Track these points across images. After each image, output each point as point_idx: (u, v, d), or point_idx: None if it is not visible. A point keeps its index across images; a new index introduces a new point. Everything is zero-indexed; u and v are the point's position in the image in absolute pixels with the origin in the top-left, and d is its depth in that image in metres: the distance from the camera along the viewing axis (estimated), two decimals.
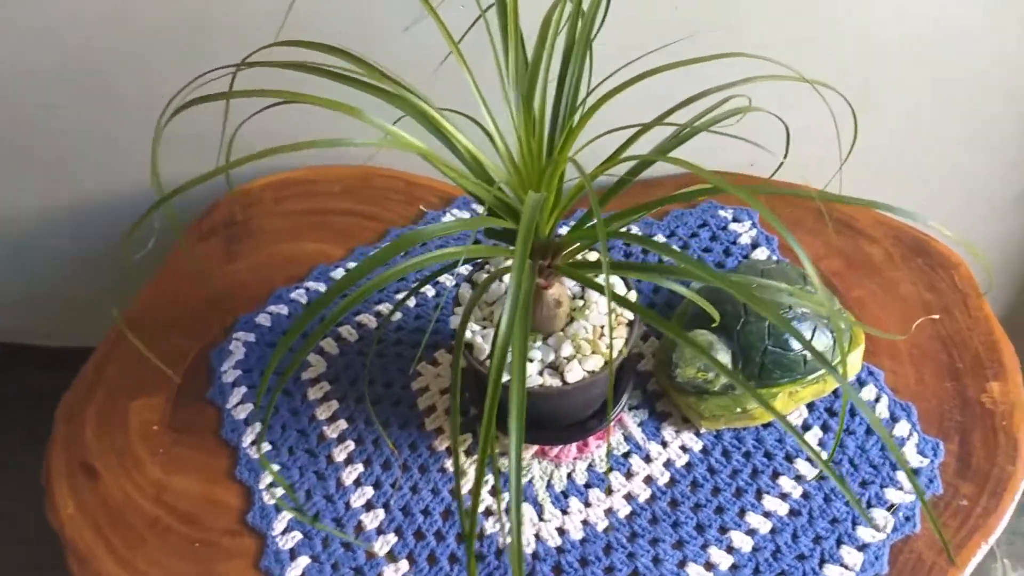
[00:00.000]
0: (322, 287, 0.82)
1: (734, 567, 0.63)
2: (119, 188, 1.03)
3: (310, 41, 0.55)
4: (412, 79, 0.55)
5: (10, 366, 1.32)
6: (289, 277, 0.83)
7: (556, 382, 0.59)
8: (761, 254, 0.82)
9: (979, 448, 0.69)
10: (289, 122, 0.75)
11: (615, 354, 0.60)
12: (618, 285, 0.63)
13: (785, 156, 0.62)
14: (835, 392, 0.71)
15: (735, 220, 0.85)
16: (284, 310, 0.81)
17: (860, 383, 0.72)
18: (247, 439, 0.72)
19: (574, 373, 0.59)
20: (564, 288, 0.61)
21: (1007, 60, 0.83)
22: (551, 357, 0.60)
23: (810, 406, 0.71)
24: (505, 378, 0.45)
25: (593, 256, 0.63)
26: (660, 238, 0.84)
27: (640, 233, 0.85)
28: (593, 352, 0.60)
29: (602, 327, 0.61)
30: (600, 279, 0.59)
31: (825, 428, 0.70)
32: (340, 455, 0.71)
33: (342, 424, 0.73)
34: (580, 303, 0.63)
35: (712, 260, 0.82)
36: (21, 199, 1.06)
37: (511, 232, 0.55)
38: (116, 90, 0.92)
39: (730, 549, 0.64)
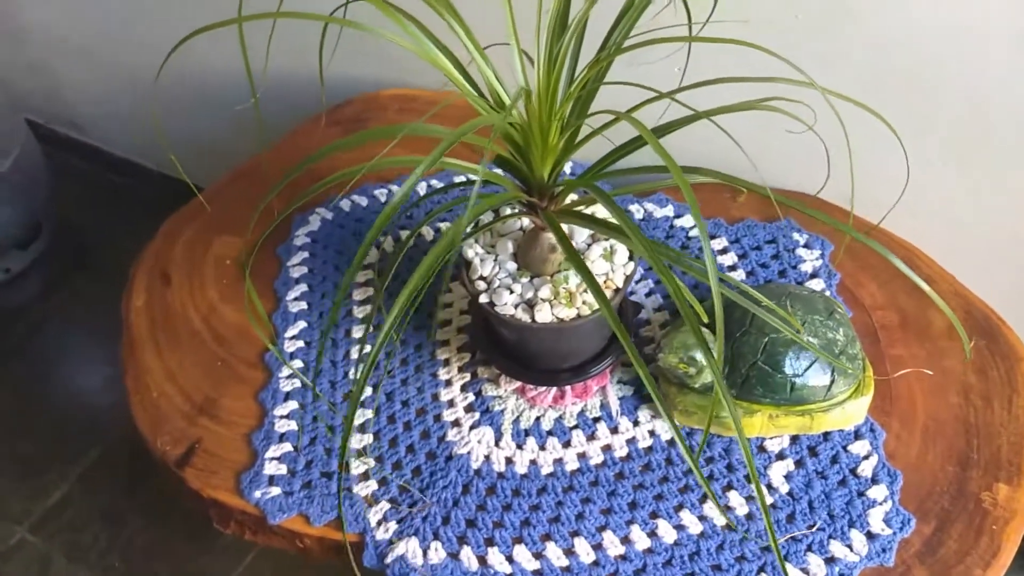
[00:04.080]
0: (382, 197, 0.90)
1: (648, 551, 0.64)
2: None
3: None
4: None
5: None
6: (379, 177, 0.92)
7: (526, 318, 0.63)
8: (816, 285, 0.79)
9: (954, 541, 0.64)
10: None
11: (587, 311, 0.62)
12: (620, 251, 0.65)
13: (827, 177, 0.61)
14: (826, 435, 0.69)
15: (806, 246, 0.82)
16: (364, 202, 0.90)
17: (856, 435, 0.69)
18: (292, 294, 0.82)
19: (543, 314, 0.63)
20: None
21: None
22: (529, 295, 0.64)
23: (794, 438, 0.70)
24: (484, 300, 0.50)
25: (591, 212, 0.65)
26: (723, 241, 0.84)
27: (710, 233, 0.85)
28: (571, 305, 0.63)
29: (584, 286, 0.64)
30: (601, 245, 0.62)
31: (799, 463, 0.68)
32: (357, 332, 0.79)
33: (367, 308, 0.81)
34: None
35: (765, 275, 0.81)
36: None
37: (520, 172, 0.60)
38: None
39: (652, 534, 0.65)
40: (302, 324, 0.80)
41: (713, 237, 0.84)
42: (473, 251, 0.67)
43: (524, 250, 0.65)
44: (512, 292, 0.64)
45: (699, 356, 0.67)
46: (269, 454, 0.72)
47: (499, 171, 0.63)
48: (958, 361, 0.74)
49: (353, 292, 0.82)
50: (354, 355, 0.78)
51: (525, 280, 0.65)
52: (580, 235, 0.67)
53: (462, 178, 0.88)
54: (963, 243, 0.84)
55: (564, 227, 0.63)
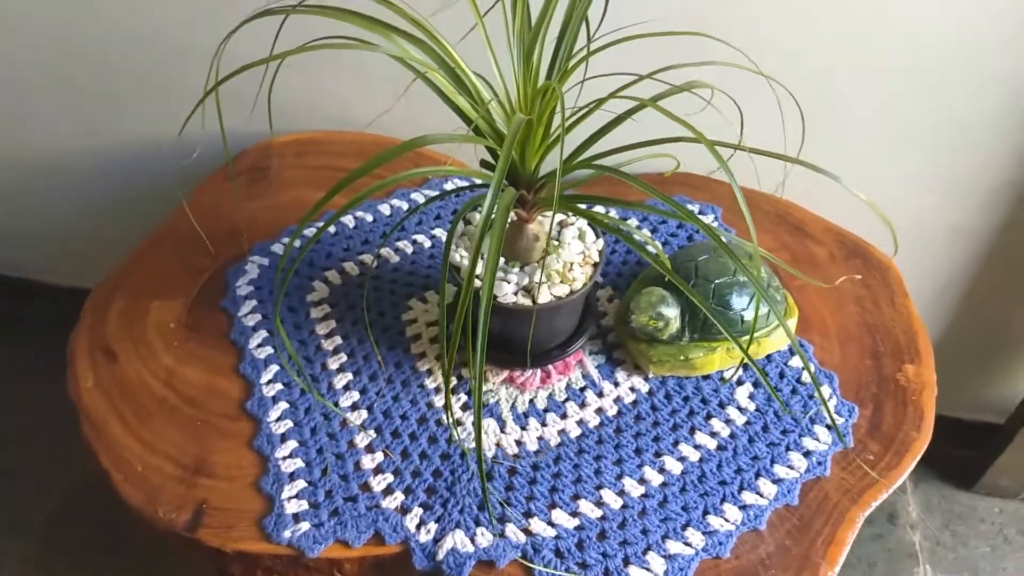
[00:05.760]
0: (332, 228, 0.93)
1: (664, 484, 0.73)
2: (155, 132, 1.14)
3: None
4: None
5: (33, 296, 1.41)
6: (299, 218, 0.94)
7: (527, 302, 0.70)
8: None
9: (889, 416, 0.79)
10: (311, 80, 0.85)
11: (579, 285, 0.70)
12: (588, 233, 0.73)
13: (739, 142, 0.74)
14: (768, 357, 0.82)
15: (700, 212, 0.96)
16: (296, 243, 0.91)
17: (791, 351, 0.83)
18: (253, 341, 0.82)
19: (543, 296, 0.69)
20: (542, 227, 0.72)
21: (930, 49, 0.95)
22: (525, 281, 0.70)
23: (745, 366, 0.81)
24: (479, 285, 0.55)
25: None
26: (634, 221, 0.95)
27: (621, 216, 0.96)
28: (561, 281, 0.71)
29: (571, 264, 0.72)
30: (575, 228, 0.70)
31: (756, 384, 0.80)
32: (333, 364, 0.81)
33: (337, 340, 0.83)
34: (556, 243, 0.74)
35: (677, 242, 0.93)
36: (64, 132, 1.17)
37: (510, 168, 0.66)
38: (161, 36, 1.04)
39: (662, 470, 0.74)
40: (274, 368, 0.80)
41: (626, 218, 0.95)
42: (459, 255, 0.72)
43: (509, 243, 0.71)
44: (509, 283, 0.70)
45: (664, 311, 0.77)
46: (285, 495, 0.71)
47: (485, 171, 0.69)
48: (846, 280, 0.90)
49: (316, 327, 0.84)
50: (338, 385, 0.79)
51: (517, 270, 0.71)
52: (546, 223, 0.74)
53: (431, 192, 0.92)
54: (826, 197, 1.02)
55: (540, 217, 0.71)
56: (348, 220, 0.94)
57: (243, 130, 1.06)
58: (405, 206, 0.96)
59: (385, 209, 0.96)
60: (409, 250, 0.92)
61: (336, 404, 0.78)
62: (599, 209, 0.94)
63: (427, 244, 0.92)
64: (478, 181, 0.68)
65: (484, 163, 0.67)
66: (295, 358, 0.80)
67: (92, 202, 1.25)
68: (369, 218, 0.95)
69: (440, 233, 0.93)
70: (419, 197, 0.98)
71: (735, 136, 0.74)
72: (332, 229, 0.93)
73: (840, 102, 0.96)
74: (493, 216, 0.67)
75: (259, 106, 1.05)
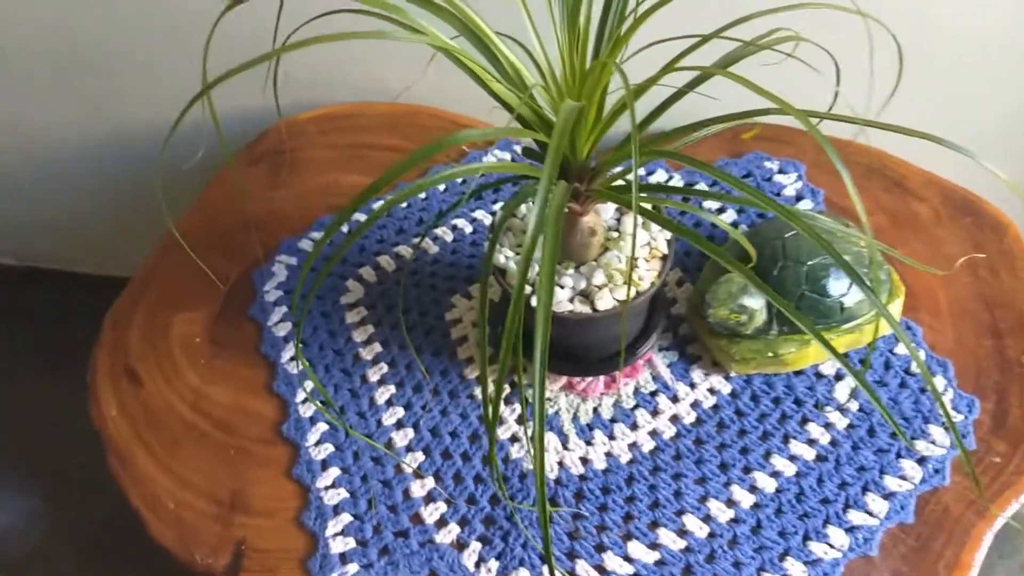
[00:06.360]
0: (362, 217, 0.84)
1: (756, 506, 0.63)
2: (162, 116, 1.06)
3: None
4: None
5: (52, 290, 1.37)
6: (330, 207, 0.85)
7: (586, 309, 0.60)
8: (806, 207, 0.81)
9: (1016, 407, 0.67)
10: (332, 49, 0.76)
11: (647, 285, 0.60)
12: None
13: (836, 94, 0.61)
14: (870, 344, 0.71)
15: (781, 172, 0.84)
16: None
17: (895, 338, 0.71)
18: (286, 355, 0.74)
19: (604, 301, 0.59)
20: (599, 217, 0.61)
21: None
22: (582, 285, 0.60)
23: (843, 356, 0.70)
24: (533, 303, 0.45)
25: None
26: (703, 186, 0.83)
27: (683, 183, 0.84)
28: (625, 283, 0.60)
29: (636, 259, 0.62)
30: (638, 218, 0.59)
31: None
32: (374, 376, 0.73)
33: (377, 347, 0.74)
34: (615, 235, 0.63)
35: (754, 212, 0.81)
36: (62, 119, 1.09)
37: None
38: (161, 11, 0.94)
39: (753, 488, 0.64)
40: (311, 384, 0.73)
41: (692, 184, 0.84)
42: (503, 256, 0.62)
43: (561, 240, 0.61)
44: (563, 287, 0.60)
45: (748, 302, 0.66)
46: (329, 531, 0.64)
47: (529, 162, 0.59)
48: (955, 244, 0.77)
49: (352, 333, 0.76)
50: (380, 400, 0.71)
51: (571, 271, 0.61)
52: (606, 212, 0.64)
53: (464, 182, 0.83)
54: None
55: (593, 208, 0.60)
56: (379, 206, 0.84)
57: (263, 107, 0.96)
58: (441, 187, 0.86)
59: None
60: (449, 237, 0.82)
61: (379, 423, 0.70)
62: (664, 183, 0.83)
63: (468, 230, 0.82)
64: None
65: (527, 151, 0.56)
66: (326, 397, 0.72)
67: (106, 189, 1.18)
68: (403, 203, 0.85)
69: (482, 216, 0.83)
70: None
71: (815, 85, 0.61)
72: (361, 217, 0.84)
73: (937, 38, 0.82)
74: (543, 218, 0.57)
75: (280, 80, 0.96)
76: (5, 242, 1.35)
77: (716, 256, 0.48)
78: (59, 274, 1.38)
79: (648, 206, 0.60)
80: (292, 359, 0.74)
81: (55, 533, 1.17)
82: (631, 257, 0.60)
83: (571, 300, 0.60)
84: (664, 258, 0.62)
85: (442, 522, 0.64)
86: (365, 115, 0.94)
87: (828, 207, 0.81)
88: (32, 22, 0.98)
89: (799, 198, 0.81)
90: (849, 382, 0.69)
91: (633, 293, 0.60)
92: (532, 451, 0.66)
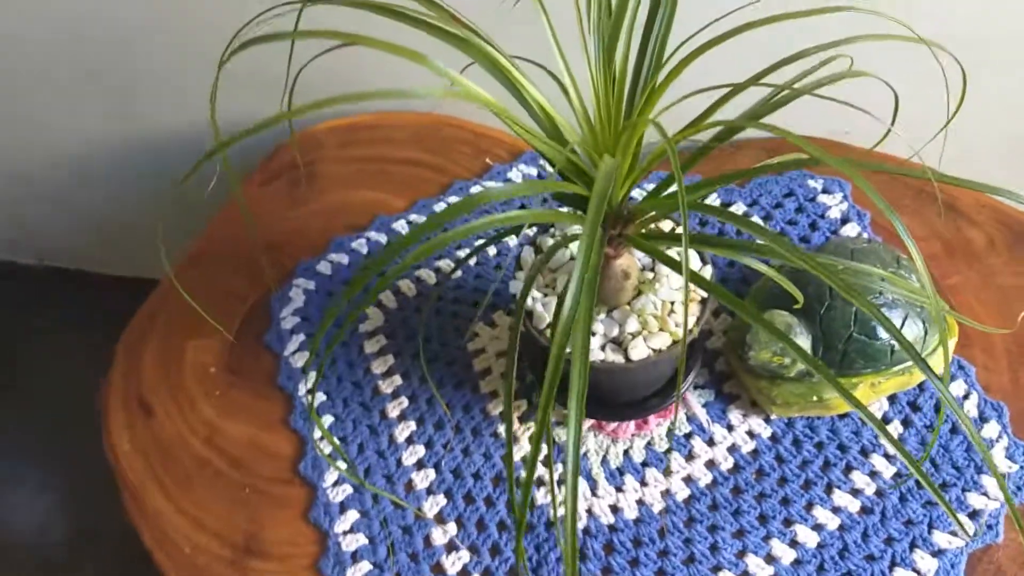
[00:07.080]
0: (383, 238, 0.80)
1: (796, 562, 0.60)
2: (185, 122, 1.03)
3: None
4: (484, 24, 0.51)
5: (74, 290, 1.36)
6: (349, 226, 0.82)
7: (619, 358, 0.56)
8: (851, 230, 0.76)
9: None
10: (355, 64, 0.72)
11: (680, 332, 0.56)
12: (693, 259, 0.59)
13: (892, 124, 0.56)
14: (920, 385, 0.66)
15: (825, 191, 0.79)
16: (344, 259, 0.79)
17: (949, 378, 0.67)
18: (303, 387, 0.71)
19: (638, 350, 0.56)
20: (633, 259, 0.57)
21: None
22: (615, 332, 0.57)
23: (891, 398, 0.66)
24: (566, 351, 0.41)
25: (667, 226, 0.59)
26: (741, 207, 0.79)
27: (719, 201, 0.80)
28: (661, 329, 0.56)
29: (672, 303, 0.58)
30: (673, 252, 0.55)
31: (906, 423, 0.65)
32: (393, 411, 0.69)
33: (397, 380, 0.71)
34: (650, 275, 0.59)
35: (796, 234, 0.77)
36: (88, 124, 1.06)
37: (581, 197, 0.52)
38: (187, 23, 0.91)
39: (794, 543, 0.60)
40: (329, 419, 0.70)
41: (728, 204, 0.79)
42: (530, 297, 0.58)
43: None
44: (595, 333, 0.56)
45: (797, 341, 0.61)
46: None
47: (560, 205, 0.55)
48: (1010, 273, 0.72)
49: (371, 364, 0.72)
50: (400, 438, 0.68)
51: (603, 316, 0.57)
52: (637, 253, 0.60)
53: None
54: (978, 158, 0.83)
55: (626, 253, 0.56)
56: (400, 226, 0.81)
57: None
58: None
59: (441, 209, 0.82)
60: (472, 261, 0.78)
61: (399, 462, 0.67)
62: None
63: (491, 251, 0.79)
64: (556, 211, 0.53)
65: (558, 195, 0.52)
66: (347, 459, 0.69)
67: (128, 191, 1.15)
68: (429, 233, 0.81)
69: (508, 239, 0.79)
70: (477, 190, 0.83)
71: (874, 105, 0.57)
72: (381, 238, 0.80)
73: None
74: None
75: (297, 89, 0.92)
76: (27, 242, 1.34)
77: (752, 318, 0.44)
78: (81, 274, 1.37)
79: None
80: (309, 392, 0.71)
81: (74, 541, 1.16)
82: (674, 306, 0.56)
83: (602, 348, 0.56)
84: (703, 301, 0.58)
85: (465, 573, 0.62)
86: (385, 126, 0.90)
87: (875, 230, 0.76)
88: (55, 27, 0.95)
89: (844, 221, 0.77)
90: (896, 427, 0.65)
91: (669, 342, 0.56)
92: (561, 501, 0.63)
